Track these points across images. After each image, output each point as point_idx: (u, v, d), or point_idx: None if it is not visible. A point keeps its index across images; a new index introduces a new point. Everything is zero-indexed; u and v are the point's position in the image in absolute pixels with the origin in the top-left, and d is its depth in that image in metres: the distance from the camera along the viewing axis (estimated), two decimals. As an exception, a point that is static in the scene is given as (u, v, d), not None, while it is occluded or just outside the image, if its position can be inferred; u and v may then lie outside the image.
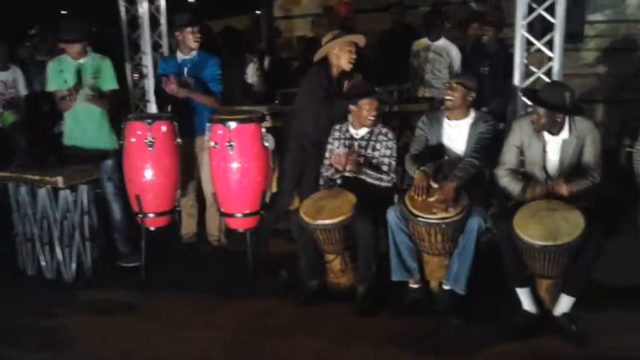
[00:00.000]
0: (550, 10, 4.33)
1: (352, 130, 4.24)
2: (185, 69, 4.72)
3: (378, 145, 4.15)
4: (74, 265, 4.39)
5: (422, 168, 3.78)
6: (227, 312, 3.94)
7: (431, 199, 3.65)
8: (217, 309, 3.97)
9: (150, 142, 4.32)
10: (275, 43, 8.24)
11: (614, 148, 4.06)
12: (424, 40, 5.86)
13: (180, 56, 4.79)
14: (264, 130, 4.36)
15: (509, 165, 3.79)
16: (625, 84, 5.85)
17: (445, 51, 5.72)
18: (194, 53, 4.74)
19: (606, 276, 3.79)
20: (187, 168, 4.73)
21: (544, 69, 4.44)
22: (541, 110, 3.58)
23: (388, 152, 4.13)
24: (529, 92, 4.05)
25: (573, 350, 3.36)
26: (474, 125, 3.90)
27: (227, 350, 3.50)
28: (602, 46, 6.37)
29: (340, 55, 4.38)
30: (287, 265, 4.26)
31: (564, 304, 3.52)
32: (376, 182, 4.09)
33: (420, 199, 3.68)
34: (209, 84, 4.71)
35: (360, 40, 4.47)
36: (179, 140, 4.49)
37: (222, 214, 4.51)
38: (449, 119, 3.96)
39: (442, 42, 5.77)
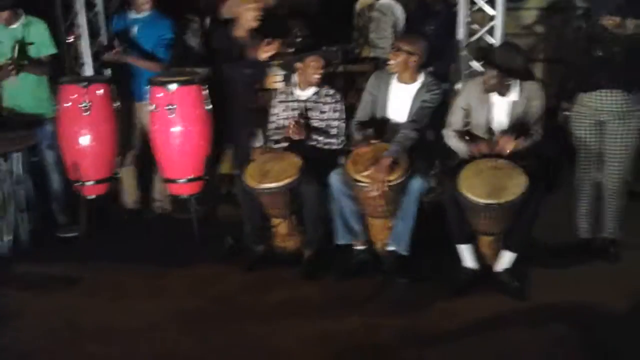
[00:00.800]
0: (492, -31, 4.33)
1: (297, 92, 4.17)
2: (136, 28, 4.53)
3: (325, 107, 4.09)
4: (9, 238, 4.21)
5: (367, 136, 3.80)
6: (173, 280, 3.88)
7: (366, 173, 3.63)
8: (163, 277, 3.91)
9: (86, 106, 4.15)
10: (216, 1, 7.96)
11: (552, 108, 4.13)
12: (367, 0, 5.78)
13: (132, 14, 4.59)
14: (205, 92, 4.25)
15: (456, 126, 3.81)
16: (564, 44, 5.93)
17: (390, 10, 5.65)
18: (146, 12, 4.54)
19: (544, 233, 3.89)
20: (127, 134, 4.57)
21: (487, 27, 4.46)
22: (492, 72, 3.60)
23: (336, 115, 4.08)
24: (481, 52, 4.06)
25: (512, 304, 3.47)
26: (419, 91, 3.85)
27: (174, 318, 3.45)
28: (542, 6, 6.43)
29: (243, 13, 4.32)
30: (232, 231, 4.21)
31: (505, 260, 3.61)
32: (326, 147, 4.06)
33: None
34: (155, 48, 4.53)
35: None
36: (117, 104, 4.33)
37: (166, 180, 4.41)
38: (398, 80, 3.93)
39: (386, 0, 5.71)
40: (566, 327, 3.26)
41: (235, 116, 4.41)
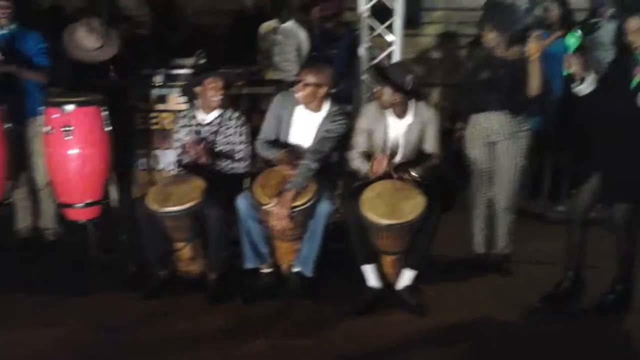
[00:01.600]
0: (390, -4, 4.51)
1: (199, 116, 4.11)
2: (3, 44, 4.28)
3: (229, 131, 4.06)
4: None
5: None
6: (66, 309, 3.69)
7: (269, 207, 3.63)
8: (56, 306, 3.71)
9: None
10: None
11: (448, 130, 4.34)
12: (272, 23, 5.85)
13: None
14: (105, 113, 4.11)
15: (359, 148, 3.90)
16: (458, 69, 6.26)
17: (293, 33, 5.74)
18: (11, 27, 4.33)
19: (442, 250, 4.05)
20: (18, 156, 4.34)
21: (386, 52, 4.63)
22: (386, 89, 3.72)
23: (241, 138, 4.05)
24: (376, 68, 4.19)
25: (413, 320, 3.58)
26: (324, 121, 3.88)
27: (63, 350, 3.28)
28: (438, 32, 6.76)
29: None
30: (133, 256, 4.09)
31: (406, 277, 3.72)
32: (231, 172, 4.03)
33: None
34: (34, 58, 4.33)
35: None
36: (7, 125, 4.11)
37: (61, 205, 4.21)
38: (304, 107, 3.93)
39: (290, 24, 5.79)
40: (465, 340, 3.40)
41: (131, 137, 4.28)
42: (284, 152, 3.83)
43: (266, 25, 5.88)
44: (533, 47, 3.66)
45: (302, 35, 5.71)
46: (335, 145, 3.86)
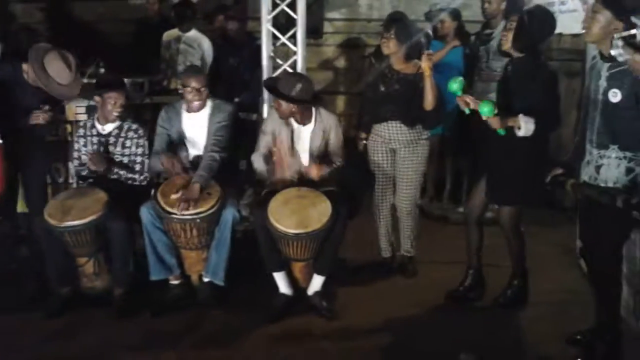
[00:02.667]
0: (293, 6, 4.57)
1: (97, 126, 4.00)
2: None
3: (128, 143, 3.97)
4: None
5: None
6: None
7: (175, 196, 3.63)
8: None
9: None
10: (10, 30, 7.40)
11: (353, 137, 4.45)
12: (175, 31, 5.79)
13: None
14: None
15: (263, 150, 3.94)
16: (362, 78, 6.42)
17: (197, 42, 5.72)
18: None
19: (349, 253, 4.17)
20: None
21: (289, 62, 4.68)
22: (279, 100, 3.79)
23: (140, 150, 3.97)
24: (265, 83, 4.27)
25: (324, 324, 3.63)
26: (212, 115, 3.94)
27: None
28: (340, 42, 6.90)
29: None
30: (34, 274, 3.91)
31: (315, 283, 3.77)
32: (129, 182, 3.94)
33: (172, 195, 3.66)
34: None
35: None
36: None
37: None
38: (187, 111, 3.97)
39: (193, 33, 5.76)
40: (375, 339, 3.49)
41: (26, 150, 4.08)
42: (165, 159, 3.82)
43: (169, 34, 5.81)
44: (426, 66, 3.83)
45: (206, 45, 5.69)
46: (242, 147, 3.87)
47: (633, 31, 1.96)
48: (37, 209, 3.87)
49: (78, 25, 6.11)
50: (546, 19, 3.54)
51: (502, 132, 3.38)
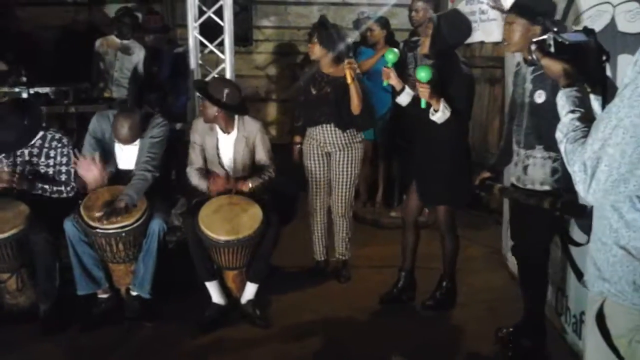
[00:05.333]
0: (220, 13, 4.55)
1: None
2: None
3: (52, 153, 3.81)
4: None
5: None
6: None
7: (98, 214, 3.52)
8: None
9: None
10: None
11: (287, 143, 4.46)
12: (112, 38, 5.68)
13: None
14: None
15: (196, 164, 3.90)
16: (293, 84, 6.45)
17: (134, 51, 5.63)
18: None
19: (283, 259, 4.17)
20: None
21: (218, 69, 4.66)
22: (206, 103, 3.78)
23: (64, 160, 3.82)
24: (199, 82, 4.25)
25: (258, 332, 3.61)
26: (146, 134, 3.81)
27: None
28: (271, 50, 6.92)
29: None
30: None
31: (249, 291, 3.75)
32: (55, 195, 3.78)
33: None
34: None
35: None
36: None
37: None
38: None
39: (130, 41, 5.68)
40: (310, 344, 3.50)
41: None
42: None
43: (105, 41, 5.69)
44: (348, 73, 3.88)
45: (142, 53, 5.61)
46: (163, 149, 3.81)
47: (544, 36, 2.06)
48: None
49: (4, 31, 5.87)
50: (459, 22, 3.62)
51: (424, 104, 3.43)
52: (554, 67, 2.01)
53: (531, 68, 3.08)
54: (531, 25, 3.02)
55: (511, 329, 3.39)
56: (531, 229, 3.16)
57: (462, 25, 3.63)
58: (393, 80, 3.59)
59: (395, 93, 3.70)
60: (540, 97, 3.03)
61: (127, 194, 3.58)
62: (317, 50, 4.04)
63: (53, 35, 6.26)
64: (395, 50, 3.70)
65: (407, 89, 3.65)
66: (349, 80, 3.89)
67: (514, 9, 3.10)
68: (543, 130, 3.02)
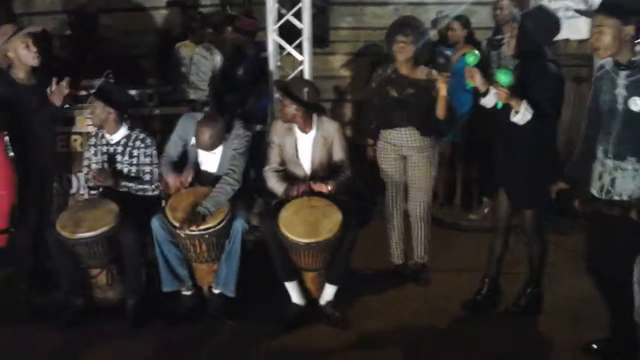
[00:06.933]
0: (298, 16, 4.58)
1: (107, 136, 4.00)
2: None
3: (135, 152, 3.96)
4: None
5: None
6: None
7: (180, 216, 3.61)
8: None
9: None
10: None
11: (361, 145, 4.45)
12: (187, 43, 5.82)
13: None
14: (7, 138, 3.91)
15: (273, 164, 3.93)
16: (366, 85, 6.42)
17: (209, 54, 5.75)
18: None
19: (361, 261, 4.13)
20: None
21: (296, 71, 4.69)
22: (286, 101, 3.80)
23: (148, 160, 3.96)
24: (277, 82, 4.33)
25: (337, 334, 3.61)
26: (229, 141, 3.88)
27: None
28: (347, 51, 6.91)
29: (18, 53, 3.90)
30: (48, 284, 3.92)
31: (328, 292, 3.76)
32: (140, 193, 3.93)
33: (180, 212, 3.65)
34: None
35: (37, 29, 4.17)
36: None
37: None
38: None
39: (207, 44, 5.79)
40: (389, 350, 3.46)
41: (37, 163, 4.08)
42: (172, 178, 3.84)
43: (182, 45, 5.84)
44: (442, 87, 3.81)
45: (218, 56, 5.73)
46: (246, 161, 3.88)
47: None
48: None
49: (101, 39, 6.12)
50: (545, 19, 3.46)
51: (500, 104, 3.33)
52: None
53: (624, 72, 2.90)
54: (622, 26, 2.84)
55: (600, 341, 3.25)
56: (614, 241, 2.99)
57: (549, 21, 3.48)
58: (478, 81, 3.48)
59: (478, 94, 3.61)
60: (636, 105, 2.86)
61: (206, 206, 3.65)
62: (409, 50, 3.96)
63: (149, 39, 6.47)
64: (476, 52, 3.60)
65: (492, 90, 3.55)
66: (442, 93, 3.83)
67: (603, 9, 2.89)
68: (637, 141, 2.85)
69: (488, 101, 3.53)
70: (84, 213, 3.71)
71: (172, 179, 3.84)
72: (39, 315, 3.77)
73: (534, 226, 3.66)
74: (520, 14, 3.53)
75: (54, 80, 4.00)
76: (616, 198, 2.95)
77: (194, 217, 3.60)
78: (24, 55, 3.91)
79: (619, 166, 2.94)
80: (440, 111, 3.93)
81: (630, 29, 2.83)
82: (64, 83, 3.98)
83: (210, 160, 3.94)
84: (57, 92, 3.97)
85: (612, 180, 2.97)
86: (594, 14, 2.98)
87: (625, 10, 2.83)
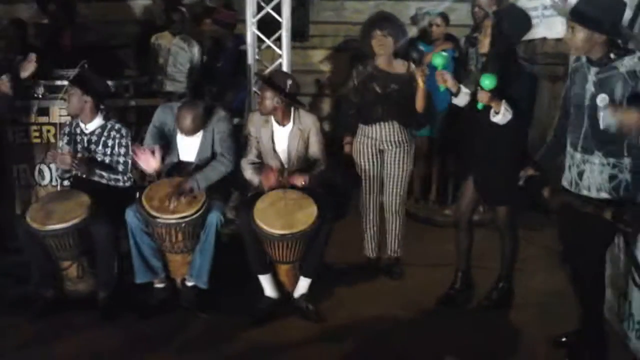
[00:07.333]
0: (278, 9, 4.57)
1: (82, 125, 3.95)
2: None
3: (110, 142, 3.91)
4: None
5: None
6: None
7: (156, 204, 3.61)
8: None
9: None
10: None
11: (339, 139, 4.45)
12: (165, 34, 5.78)
13: None
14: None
15: (250, 156, 3.94)
16: (347, 80, 6.42)
17: (187, 45, 5.71)
18: None
19: (335, 254, 4.14)
20: None
21: (275, 64, 4.68)
22: (267, 93, 3.80)
23: (122, 151, 3.91)
24: (258, 74, 4.36)
25: (310, 327, 3.62)
26: (210, 126, 3.87)
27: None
28: (326, 45, 6.91)
29: None
30: (18, 277, 3.89)
31: (301, 286, 3.76)
32: (111, 183, 3.88)
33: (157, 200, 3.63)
34: None
35: None
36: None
37: None
38: None
39: (184, 36, 5.75)
40: (362, 342, 3.49)
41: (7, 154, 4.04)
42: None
43: (159, 36, 5.79)
44: (420, 80, 3.84)
45: (196, 48, 5.69)
46: (234, 142, 3.88)
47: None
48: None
49: (79, 28, 6.04)
50: (519, 17, 3.52)
51: (481, 106, 3.36)
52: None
53: (595, 69, 2.91)
54: (595, 34, 2.83)
55: (570, 334, 3.30)
56: (585, 235, 3.01)
57: (522, 20, 3.53)
58: (449, 82, 3.52)
59: (451, 94, 3.64)
60: (603, 101, 2.87)
61: (196, 179, 3.66)
62: (388, 44, 3.99)
63: (132, 30, 6.40)
64: (444, 53, 3.66)
65: (463, 89, 3.58)
66: (420, 85, 3.86)
67: (575, 16, 2.86)
68: (605, 136, 2.87)
69: (460, 101, 3.59)
70: (54, 204, 3.68)
71: (147, 164, 3.75)
72: (9, 307, 3.73)
73: (507, 222, 3.69)
74: (493, 13, 3.54)
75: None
76: (584, 192, 2.97)
77: (182, 187, 3.61)
78: None
79: (587, 160, 2.96)
80: (420, 103, 3.97)
81: (602, 37, 2.82)
82: (32, 56, 3.93)
83: (189, 148, 3.91)
84: (26, 63, 3.92)
85: (580, 174, 2.99)
86: (567, 15, 3.00)
87: (593, 21, 2.80)
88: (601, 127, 2.84)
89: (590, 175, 2.96)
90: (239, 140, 4.07)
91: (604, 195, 2.92)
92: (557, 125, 3.27)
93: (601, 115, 2.84)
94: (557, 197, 3.20)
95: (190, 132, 3.78)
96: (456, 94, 3.58)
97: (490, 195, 3.69)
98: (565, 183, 3.11)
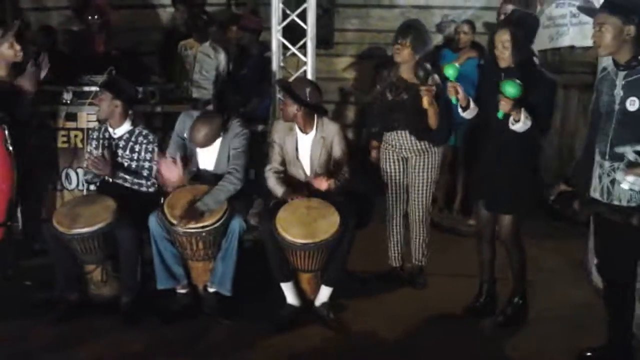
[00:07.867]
0: (303, 16, 4.58)
1: (110, 130, 4.01)
2: None
3: (137, 148, 3.96)
4: None
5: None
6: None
7: (178, 216, 3.62)
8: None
9: None
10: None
11: (364, 147, 4.44)
12: (191, 41, 5.82)
13: None
14: (6, 132, 3.92)
15: (274, 164, 3.94)
16: (372, 88, 6.41)
17: (213, 52, 5.75)
18: None
19: (358, 263, 4.11)
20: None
21: (299, 72, 4.69)
22: (287, 100, 3.81)
23: (148, 156, 3.96)
24: (279, 82, 4.34)
25: (332, 336, 3.59)
26: (229, 140, 3.88)
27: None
28: (351, 53, 6.91)
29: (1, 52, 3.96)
30: (43, 279, 3.92)
31: (323, 294, 3.74)
32: (135, 187, 3.92)
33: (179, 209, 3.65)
34: None
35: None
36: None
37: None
38: None
39: (210, 43, 5.79)
40: (383, 350, 3.46)
41: (33, 158, 4.09)
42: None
43: (185, 43, 5.84)
44: (426, 99, 3.78)
45: (222, 55, 5.73)
46: (247, 159, 3.88)
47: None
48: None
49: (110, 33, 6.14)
50: (530, 22, 3.50)
51: (501, 115, 3.32)
52: None
53: (623, 73, 2.89)
54: (624, 25, 2.83)
55: (596, 349, 3.23)
56: (616, 246, 2.98)
57: (534, 27, 3.52)
58: (460, 95, 3.48)
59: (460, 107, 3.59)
60: (633, 104, 2.84)
61: (206, 203, 3.66)
62: (406, 54, 3.96)
63: (156, 37, 6.48)
64: (456, 64, 3.59)
65: (472, 105, 3.55)
66: (425, 105, 3.80)
67: (605, 6, 2.90)
68: (634, 139, 2.82)
69: (467, 115, 3.57)
70: (81, 208, 3.72)
71: (169, 173, 3.78)
72: (33, 310, 3.77)
73: (511, 232, 3.59)
74: (510, 24, 3.44)
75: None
76: (616, 202, 2.93)
77: (193, 212, 3.61)
78: (7, 53, 3.95)
79: (617, 167, 2.90)
80: (431, 121, 3.92)
81: (630, 29, 2.83)
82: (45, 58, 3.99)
83: (207, 158, 3.94)
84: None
85: (612, 183, 2.94)
86: (596, 12, 2.98)
87: (627, 9, 2.83)
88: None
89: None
90: (262, 148, 4.09)
91: (635, 204, 2.88)
92: (587, 140, 3.23)
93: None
94: (587, 209, 3.14)
95: (201, 144, 3.81)
96: (465, 108, 3.55)
97: (496, 203, 3.61)
98: (596, 194, 3.05)
